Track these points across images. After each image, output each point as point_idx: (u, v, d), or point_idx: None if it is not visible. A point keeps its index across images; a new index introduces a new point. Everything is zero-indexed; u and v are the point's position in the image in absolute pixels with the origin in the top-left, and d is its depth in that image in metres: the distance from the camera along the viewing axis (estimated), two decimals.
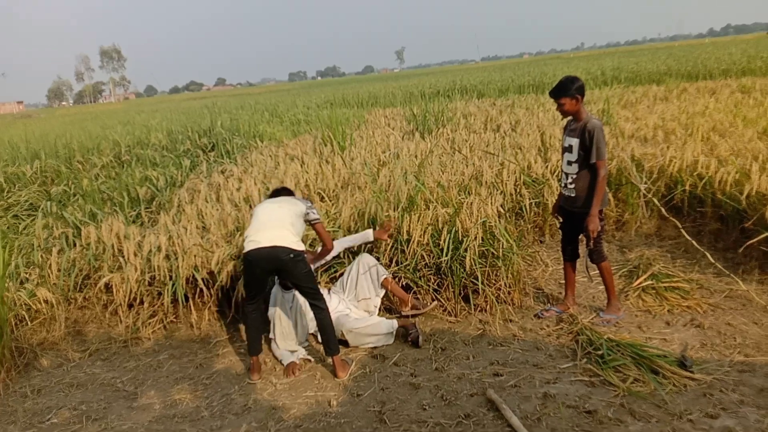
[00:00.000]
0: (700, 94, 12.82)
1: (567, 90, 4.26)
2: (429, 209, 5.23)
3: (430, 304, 4.84)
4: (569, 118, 4.49)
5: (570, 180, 4.42)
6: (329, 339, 4.14)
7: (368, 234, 5.02)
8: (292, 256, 3.98)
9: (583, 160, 4.29)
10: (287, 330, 4.50)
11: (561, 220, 4.79)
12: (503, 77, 25.76)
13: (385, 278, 4.81)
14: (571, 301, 4.78)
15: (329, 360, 4.18)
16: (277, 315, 4.50)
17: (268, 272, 4.14)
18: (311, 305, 4.20)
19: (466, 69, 59.16)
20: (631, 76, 19.73)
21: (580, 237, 4.69)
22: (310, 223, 4.38)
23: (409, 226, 5.03)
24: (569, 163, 4.41)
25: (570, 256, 4.76)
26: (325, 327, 4.15)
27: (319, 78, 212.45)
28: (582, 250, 4.71)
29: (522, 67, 38.05)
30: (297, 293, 4.53)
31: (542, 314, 4.72)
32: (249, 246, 4.03)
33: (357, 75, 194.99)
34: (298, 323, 4.57)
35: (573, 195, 4.43)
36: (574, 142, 4.32)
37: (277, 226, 4.07)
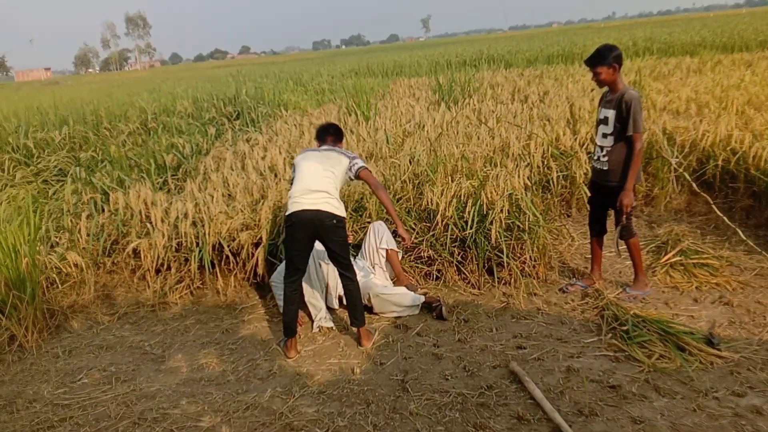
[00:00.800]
0: (736, 66, 12.43)
1: (604, 58, 4.15)
2: (453, 181, 5.19)
3: (419, 290, 4.78)
4: (605, 89, 4.38)
5: (604, 153, 4.33)
6: (357, 310, 4.11)
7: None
8: (335, 221, 3.91)
9: (619, 132, 4.19)
10: (315, 284, 4.51)
11: (590, 194, 4.72)
12: (531, 47, 25.24)
13: (389, 250, 4.78)
14: (597, 276, 4.73)
15: (353, 329, 4.21)
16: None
17: (310, 236, 3.98)
18: (341, 275, 4.12)
19: (493, 38, 58.15)
20: (664, 48, 19.20)
21: (608, 212, 4.62)
22: (355, 176, 4.17)
23: (430, 199, 5.00)
24: (604, 135, 4.32)
25: (598, 231, 4.70)
26: (354, 298, 4.10)
27: (344, 47, 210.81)
28: (611, 225, 4.64)
29: (551, 37, 37.25)
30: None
31: (567, 289, 4.68)
32: (292, 207, 3.93)
33: (382, 44, 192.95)
34: (322, 284, 4.58)
35: (606, 168, 4.33)
36: (610, 113, 4.21)
37: (321, 187, 3.95)
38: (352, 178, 4.19)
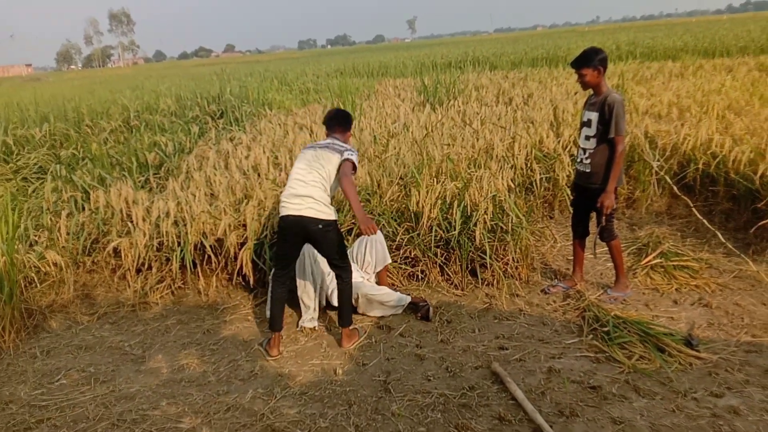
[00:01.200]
0: (717, 71, 12.59)
1: (590, 60, 4.18)
2: (438, 183, 5.19)
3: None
4: (590, 92, 4.41)
5: (586, 155, 4.37)
6: (345, 310, 4.09)
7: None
8: (320, 226, 3.84)
9: (602, 134, 4.22)
10: (308, 284, 4.44)
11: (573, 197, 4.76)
12: (516, 49, 25.41)
13: (385, 266, 4.78)
14: (578, 277, 4.76)
15: (336, 330, 4.19)
16: (299, 265, 4.42)
17: (299, 240, 3.98)
18: (336, 275, 4.12)
19: (478, 40, 58.41)
20: (647, 52, 19.43)
21: (591, 214, 4.66)
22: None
23: (417, 201, 5.01)
24: (587, 137, 4.35)
25: (581, 233, 4.73)
26: (345, 299, 4.09)
27: (329, 46, 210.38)
28: (594, 227, 4.67)
29: (535, 40, 37.50)
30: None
31: (549, 290, 4.71)
32: (281, 211, 3.93)
33: (368, 44, 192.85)
34: (317, 280, 4.51)
35: (588, 170, 4.38)
36: (593, 116, 4.26)
37: (305, 192, 3.85)
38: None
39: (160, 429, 3.29)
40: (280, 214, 3.93)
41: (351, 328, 4.16)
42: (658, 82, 11.42)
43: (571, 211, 4.86)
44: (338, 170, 3.93)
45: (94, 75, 50.79)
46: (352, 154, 3.94)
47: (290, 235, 3.94)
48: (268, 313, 4.30)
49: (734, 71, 12.18)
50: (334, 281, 4.25)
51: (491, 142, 6.54)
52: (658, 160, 6.29)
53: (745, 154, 5.70)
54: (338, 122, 4.22)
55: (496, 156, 6.18)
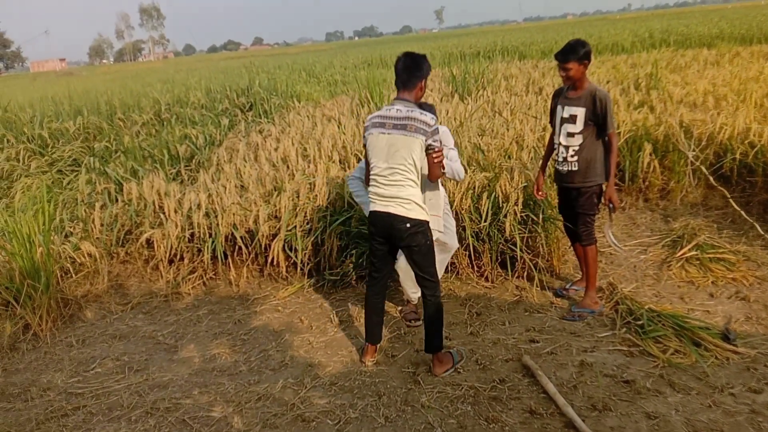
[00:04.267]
0: (754, 58, 12.21)
1: (576, 53, 3.91)
2: (467, 173, 5.15)
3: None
4: (561, 86, 4.19)
5: (571, 153, 4.06)
6: (433, 334, 3.53)
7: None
8: (408, 225, 3.31)
9: (595, 130, 3.99)
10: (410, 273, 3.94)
11: (543, 198, 4.49)
12: (546, 38, 25.00)
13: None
14: (593, 279, 4.52)
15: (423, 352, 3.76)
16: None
17: (387, 241, 3.50)
18: (422, 292, 3.56)
19: (507, 30, 57.69)
20: (681, 39, 18.95)
21: (600, 210, 4.41)
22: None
23: (449, 190, 4.97)
24: (570, 134, 4.05)
25: (576, 236, 4.38)
26: (432, 320, 3.51)
27: (356, 38, 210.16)
28: (598, 222, 4.36)
29: (566, 29, 36.88)
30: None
31: (561, 292, 4.52)
32: (370, 206, 3.47)
33: (395, 35, 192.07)
34: None
35: (574, 169, 4.06)
36: (579, 111, 3.97)
37: (392, 192, 3.32)
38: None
39: (193, 417, 3.33)
40: (370, 209, 3.50)
41: (443, 351, 3.64)
42: (692, 70, 11.12)
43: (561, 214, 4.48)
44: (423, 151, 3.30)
45: (125, 69, 51.62)
46: (435, 135, 3.24)
47: (377, 236, 3.50)
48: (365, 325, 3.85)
49: None
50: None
51: (521, 132, 6.45)
52: (694, 150, 6.14)
53: None
54: (403, 80, 3.40)
55: (527, 146, 6.10)
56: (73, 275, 5.01)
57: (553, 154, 4.30)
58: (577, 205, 4.18)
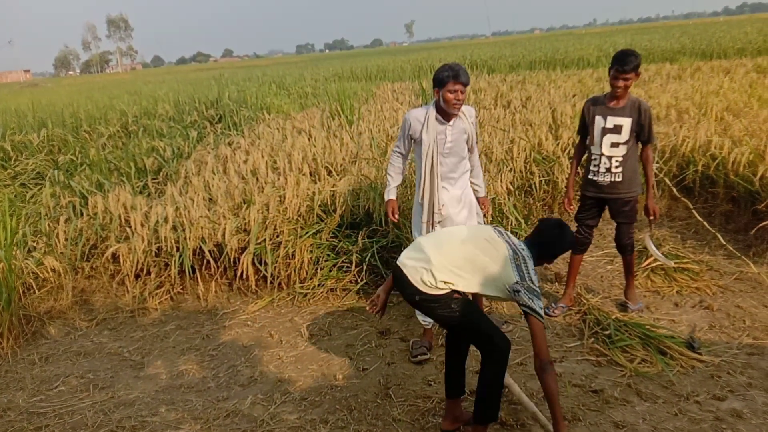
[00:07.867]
0: (715, 73, 12.61)
1: (638, 63, 3.94)
2: None
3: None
4: (593, 95, 4.28)
5: (615, 163, 4.03)
6: (486, 402, 2.91)
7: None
8: (417, 298, 2.91)
9: (634, 141, 4.02)
10: None
11: (573, 210, 4.45)
12: (514, 53, 25.44)
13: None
14: (573, 293, 4.53)
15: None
16: None
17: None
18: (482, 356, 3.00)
19: (476, 44, 58.45)
20: (644, 54, 19.41)
21: (639, 222, 4.51)
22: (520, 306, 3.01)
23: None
24: (614, 145, 4.01)
25: (587, 248, 4.44)
26: (487, 384, 2.90)
27: (327, 51, 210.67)
28: (634, 235, 4.44)
29: (533, 43, 37.55)
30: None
31: (547, 311, 4.45)
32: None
33: (365, 48, 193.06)
34: None
35: (618, 180, 4.05)
36: (625, 121, 3.98)
37: (425, 261, 2.90)
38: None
39: None
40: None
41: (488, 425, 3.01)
42: (655, 84, 11.43)
43: (582, 226, 4.38)
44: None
45: (92, 80, 50.83)
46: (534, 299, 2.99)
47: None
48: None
49: (732, 73, 12.20)
50: None
51: (490, 144, 6.53)
52: (657, 162, 6.28)
53: (744, 156, 5.69)
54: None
55: (495, 159, 6.17)
56: (36, 291, 4.87)
57: (590, 165, 4.19)
58: (619, 215, 4.22)
